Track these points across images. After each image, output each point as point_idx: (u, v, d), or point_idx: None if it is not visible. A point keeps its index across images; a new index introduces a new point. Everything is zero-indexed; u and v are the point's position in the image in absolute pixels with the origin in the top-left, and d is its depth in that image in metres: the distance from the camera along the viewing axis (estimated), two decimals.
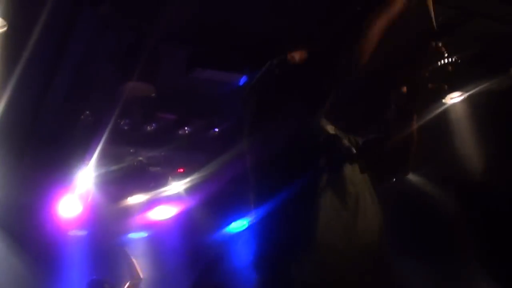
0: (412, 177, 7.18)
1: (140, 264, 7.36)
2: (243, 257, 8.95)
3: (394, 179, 2.87)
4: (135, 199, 8.29)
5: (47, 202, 7.55)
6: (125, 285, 7.00)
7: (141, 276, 7.10)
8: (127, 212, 8.39)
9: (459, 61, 5.60)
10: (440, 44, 5.68)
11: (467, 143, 6.51)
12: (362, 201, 2.56)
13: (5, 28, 4.38)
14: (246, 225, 9.25)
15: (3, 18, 4.32)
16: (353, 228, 2.48)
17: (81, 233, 8.58)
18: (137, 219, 8.69)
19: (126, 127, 6.43)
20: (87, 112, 6.16)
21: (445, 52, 5.63)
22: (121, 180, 7.69)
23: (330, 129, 2.69)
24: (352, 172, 2.60)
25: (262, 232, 2.67)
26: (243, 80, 5.72)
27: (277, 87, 2.66)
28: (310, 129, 2.51)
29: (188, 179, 7.85)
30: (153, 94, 5.38)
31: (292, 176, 2.48)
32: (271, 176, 2.58)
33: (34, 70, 5.22)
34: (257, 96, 2.76)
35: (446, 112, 6.36)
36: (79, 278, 8.10)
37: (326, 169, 2.51)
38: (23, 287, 7.76)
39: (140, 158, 7.46)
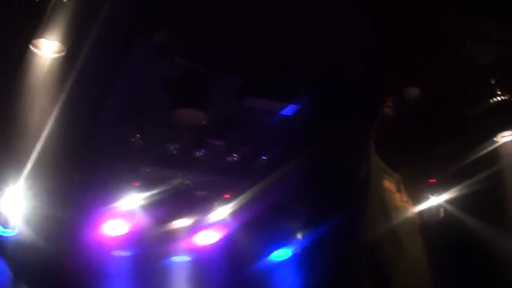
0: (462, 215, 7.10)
1: None
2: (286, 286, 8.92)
3: None
4: (180, 222, 8.32)
5: (93, 220, 7.64)
6: None
7: None
8: (172, 235, 8.42)
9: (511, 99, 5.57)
10: (493, 82, 5.68)
11: None
12: (408, 235, 2.56)
13: (63, 53, 4.50)
14: (290, 254, 9.21)
15: (62, 43, 4.44)
16: (403, 261, 2.47)
17: (125, 253, 8.63)
18: (181, 243, 8.71)
19: (175, 152, 6.49)
20: (137, 135, 6.24)
21: (498, 89, 5.63)
22: (167, 203, 7.73)
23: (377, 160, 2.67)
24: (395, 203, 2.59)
25: (308, 262, 2.66)
26: (291, 110, 5.75)
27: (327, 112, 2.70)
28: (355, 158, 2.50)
29: (233, 205, 7.85)
30: (205, 122, 5.44)
31: (339, 201, 2.48)
32: (318, 198, 2.58)
33: (88, 91, 5.34)
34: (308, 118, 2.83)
35: (497, 150, 6.28)
36: None
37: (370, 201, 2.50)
38: None
39: (187, 182, 7.50)
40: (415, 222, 2.70)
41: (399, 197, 2.65)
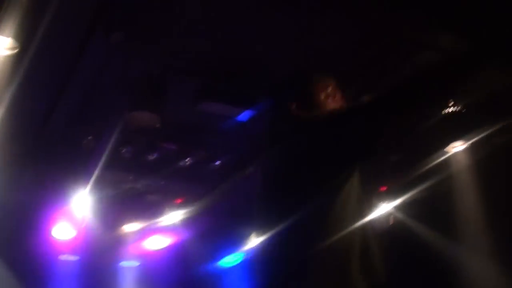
0: (411, 223, 7.19)
1: None
2: None
3: None
4: (131, 227, 8.23)
5: (41, 223, 7.50)
6: None
7: None
8: (122, 239, 8.32)
9: (464, 110, 5.68)
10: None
11: (467, 192, 6.54)
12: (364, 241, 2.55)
13: (16, 50, 4.40)
14: (240, 260, 9.20)
15: (15, 39, 4.34)
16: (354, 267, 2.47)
17: (73, 258, 8.49)
18: (131, 248, 8.62)
19: (127, 155, 6.42)
20: (90, 137, 6.15)
21: (450, 100, 5.72)
22: (118, 206, 7.64)
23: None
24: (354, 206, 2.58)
25: (258, 267, 2.66)
26: (246, 115, 5.75)
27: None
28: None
29: (185, 210, 7.80)
30: (158, 125, 5.39)
31: (302, 197, 2.48)
32: (278, 199, 2.57)
33: (41, 91, 5.24)
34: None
35: (448, 161, 6.39)
36: None
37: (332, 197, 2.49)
38: None
39: (138, 186, 7.42)
40: (367, 228, 2.69)
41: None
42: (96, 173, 6.47)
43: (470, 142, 6.23)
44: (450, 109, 5.67)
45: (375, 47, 5.02)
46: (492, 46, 2.24)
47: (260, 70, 5.11)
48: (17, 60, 4.51)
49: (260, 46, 4.89)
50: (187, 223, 8.04)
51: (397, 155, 6.73)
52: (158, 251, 8.86)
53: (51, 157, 6.53)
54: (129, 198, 7.46)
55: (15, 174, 6.64)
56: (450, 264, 6.68)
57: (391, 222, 7.46)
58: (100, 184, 6.90)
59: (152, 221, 8.13)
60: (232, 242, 8.77)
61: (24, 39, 4.33)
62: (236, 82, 5.31)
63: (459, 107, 5.64)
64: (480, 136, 6.07)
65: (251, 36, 4.78)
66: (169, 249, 8.82)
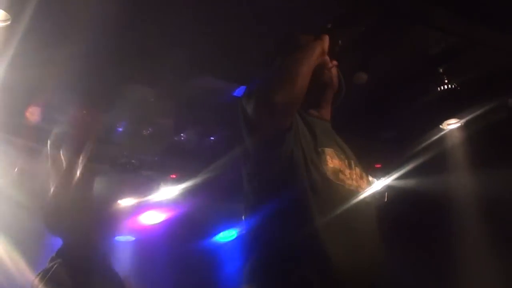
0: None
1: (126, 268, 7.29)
2: (232, 266, 8.94)
3: None
4: (125, 201, 8.22)
5: None
6: None
7: None
8: (116, 214, 8.32)
9: (458, 87, 5.67)
10: (440, 70, 5.75)
11: (460, 169, 6.54)
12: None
13: (8, 22, 4.36)
14: (235, 236, 9.23)
15: (6, 11, 4.31)
16: (354, 233, 2.44)
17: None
18: (126, 223, 8.62)
19: (121, 129, 6.39)
20: (84, 111, 6.10)
21: (445, 78, 5.71)
22: (112, 181, 7.62)
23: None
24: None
25: (249, 243, 2.64)
26: (240, 90, 5.72)
27: None
28: None
29: (180, 186, 7.79)
30: (152, 99, 5.37)
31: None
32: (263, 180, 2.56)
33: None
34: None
35: (443, 138, 6.39)
36: None
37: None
38: None
39: (133, 161, 7.39)
40: (370, 200, 2.65)
41: (349, 174, 2.60)
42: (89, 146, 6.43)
43: (465, 120, 6.22)
44: (446, 86, 5.66)
45: None
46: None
47: (254, 45, 5.07)
48: (9, 32, 4.48)
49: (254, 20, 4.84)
50: (182, 198, 8.04)
51: (391, 132, 6.73)
52: (153, 226, 8.88)
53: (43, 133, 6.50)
54: (123, 173, 7.43)
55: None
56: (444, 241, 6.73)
57: (385, 199, 7.46)
58: (94, 159, 6.88)
59: (147, 196, 8.13)
60: (227, 217, 8.78)
61: (16, 11, 4.30)
62: (229, 56, 5.27)
63: (454, 84, 5.63)
64: (475, 114, 6.07)
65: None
66: (164, 224, 8.83)
